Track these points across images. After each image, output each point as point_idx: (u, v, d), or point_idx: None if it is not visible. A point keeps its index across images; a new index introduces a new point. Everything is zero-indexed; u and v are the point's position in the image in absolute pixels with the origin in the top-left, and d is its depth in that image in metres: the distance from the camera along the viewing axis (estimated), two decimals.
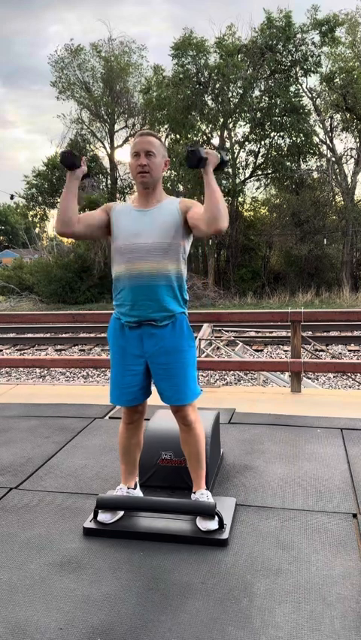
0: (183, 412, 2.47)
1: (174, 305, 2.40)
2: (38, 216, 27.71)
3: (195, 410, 2.52)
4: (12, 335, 12.82)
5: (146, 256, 2.33)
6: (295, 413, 4.18)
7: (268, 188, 23.77)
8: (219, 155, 2.32)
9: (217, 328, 9.90)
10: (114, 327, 2.50)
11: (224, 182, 22.06)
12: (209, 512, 2.39)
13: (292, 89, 21.47)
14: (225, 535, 2.36)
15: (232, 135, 22.46)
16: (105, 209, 2.47)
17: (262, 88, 21.48)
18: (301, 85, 21.98)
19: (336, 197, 22.72)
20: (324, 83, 21.39)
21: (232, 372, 8.38)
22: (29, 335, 12.65)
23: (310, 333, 11.21)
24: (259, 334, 11.08)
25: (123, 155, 26.46)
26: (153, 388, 2.54)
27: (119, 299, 2.43)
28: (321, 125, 22.27)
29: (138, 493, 2.68)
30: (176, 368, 2.42)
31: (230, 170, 22.36)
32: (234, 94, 21.49)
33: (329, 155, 22.39)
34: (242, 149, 22.72)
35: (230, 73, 20.33)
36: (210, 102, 21.63)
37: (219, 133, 22.27)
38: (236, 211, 23.10)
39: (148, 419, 3.02)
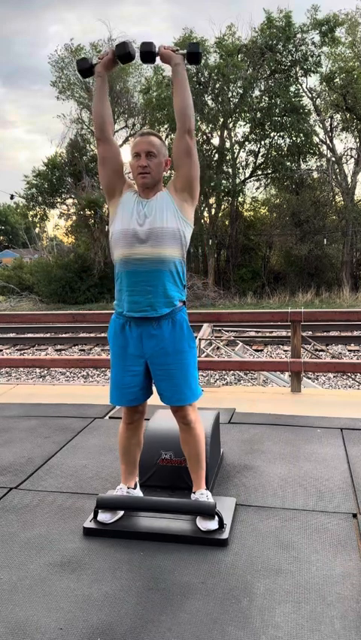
0: (183, 411, 2.47)
1: (174, 291, 2.40)
2: (38, 216, 27.64)
3: (195, 410, 2.52)
4: (12, 335, 12.81)
5: (147, 242, 2.33)
6: (295, 413, 4.18)
7: (268, 188, 23.78)
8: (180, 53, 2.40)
9: (217, 328, 9.90)
10: (114, 328, 2.50)
11: (224, 182, 22.08)
12: (209, 512, 2.39)
13: (292, 89, 21.46)
14: (225, 535, 2.36)
15: (232, 135, 22.46)
16: (125, 180, 2.49)
17: (262, 88, 21.47)
18: (301, 85, 21.98)
19: (336, 197, 22.72)
20: (324, 83, 21.39)
21: (232, 372, 8.38)
22: (29, 335, 12.65)
23: (310, 333, 11.21)
24: (259, 334, 11.08)
25: (123, 155, 26.39)
26: (154, 388, 2.54)
27: (120, 284, 2.43)
28: (321, 125, 22.27)
29: (138, 493, 2.68)
30: (177, 369, 2.42)
31: (230, 170, 22.38)
32: (234, 94, 21.48)
33: (329, 155, 22.39)
34: (242, 149, 22.72)
35: (230, 73, 20.32)
36: (210, 102, 21.62)
37: (219, 133, 22.27)
38: (236, 211, 23.10)
39: (148, 419, 3.02)
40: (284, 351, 10.08)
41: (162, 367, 2.43)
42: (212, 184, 21.06)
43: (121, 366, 2.48)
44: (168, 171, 2.53)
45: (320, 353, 9.49)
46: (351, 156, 22.21)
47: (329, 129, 22.34)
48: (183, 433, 2.54)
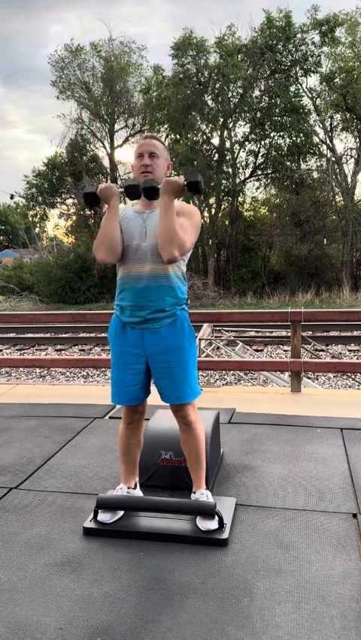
0: (183, 411, 2.48)
1: (175, 305, 2.42)
2: (38, 216, 27.68)
3: (195, 410, 2.53)
4: (12, 335, 12.82)
5: (147, 258, 2.36)
6: (296, 413, 4.18)
7: (268, 188, 23.77)
8: (182, 180, 2.26)
9: (217, 328, 9.90)
10: (115, 326, 2.50)
11: (224, 182, 22.08)
12: (209, 512, 2.39)
13: (292, 88, 21.45)
14: (225, 535, 2.36)
15: (232, 135, 22.46)
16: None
17: (262, 88, 21.46)
18: (301, 85, 21.97)
19: (336, 197, 22.72)
20: (324, 83, 21.39)
21: (232, 372, 8.38)
22: (29, 335, 12.65)
23: (310, 333, 11.21)
24: (259, 334, 11.08)
25: (123, 154, 26.44)
26: (153, 388, 2.54)
27: (121, 299, 2.45)
28: (321, 125, 22.26)
29: (138, 492, 2.68)
30: (177, 366, 2.43)
31: (230, 170, 22.38)
32: (234, 94, 21.48)
33: (329, 155, 22.39)
34: (242, 149, 22.72)
35: (230, 73, 20.31)
36: (210, 102, 21.62)
37: (219, 133, 22.27)
38: (236, 211, 23.11)
39: (148, 419, 3.02)
40: (284, 351, 10.08)
41: (163, 365, 2.44)
42: (212, 184, 21.06)
43: (122, 364, 2.49)
44: (168, 173, 2.53)
45: (320, 353, 9.49)
46: (351, 156, 22.22)
47: (329, 129, 22.34)
48: (183, 433, 2.54)
